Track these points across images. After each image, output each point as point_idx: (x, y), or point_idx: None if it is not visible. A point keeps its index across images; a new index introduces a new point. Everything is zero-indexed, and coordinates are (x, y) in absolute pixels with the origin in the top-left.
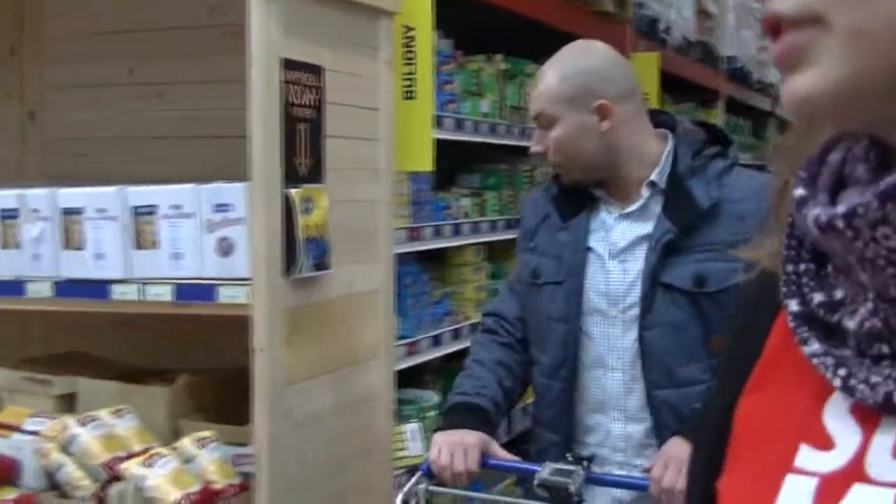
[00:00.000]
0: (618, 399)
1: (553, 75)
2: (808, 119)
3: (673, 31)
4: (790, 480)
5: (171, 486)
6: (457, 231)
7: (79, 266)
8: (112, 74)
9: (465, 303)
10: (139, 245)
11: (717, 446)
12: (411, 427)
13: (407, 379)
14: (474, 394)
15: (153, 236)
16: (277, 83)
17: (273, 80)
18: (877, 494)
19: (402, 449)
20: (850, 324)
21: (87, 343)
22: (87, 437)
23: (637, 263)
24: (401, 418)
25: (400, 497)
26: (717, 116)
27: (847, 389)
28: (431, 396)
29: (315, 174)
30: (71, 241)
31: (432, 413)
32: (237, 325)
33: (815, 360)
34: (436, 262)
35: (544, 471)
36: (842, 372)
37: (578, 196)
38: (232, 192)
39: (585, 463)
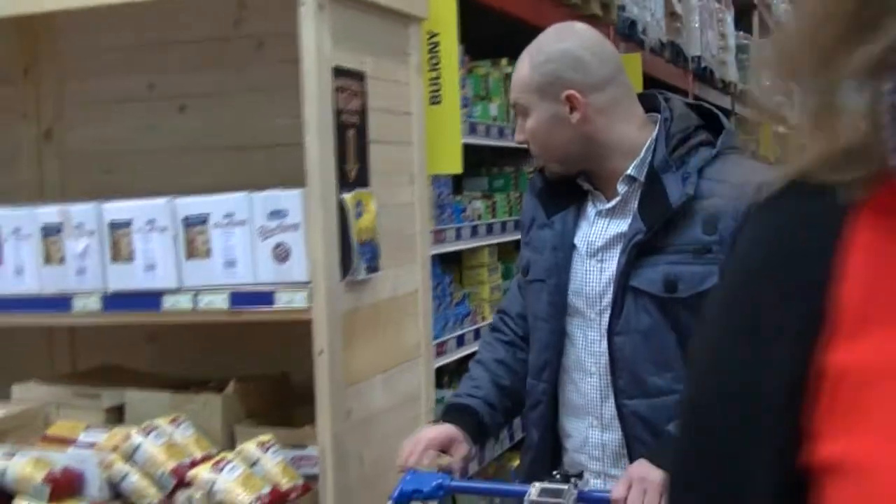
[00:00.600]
0: (594, 406)
1: (525, 63)
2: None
3: (649, 32)
4: None
5: (242, 490)
6: (474, 233)
7: (127, 278)
8: (131, 89)
9: (482, 303)
10: (190, 255)
11: (787, 418)
12: None
13: None
14: (465, 395)
15: (205, 245)
16: (330, 91)
17: (326, 87)
18: None
19: None
20: None
21: (114, 357)
22: (150, 446)
23: (613, 264)
24: None
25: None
26: None
27: None
28: None
29: (362, 179)
30: (118, 254)
31: None
32: (268, 334)
33: None
34: (454, 264)
35: (533, 492)
36: None
37: (565, 190)
38: (287, 198)
39: (574, 481)
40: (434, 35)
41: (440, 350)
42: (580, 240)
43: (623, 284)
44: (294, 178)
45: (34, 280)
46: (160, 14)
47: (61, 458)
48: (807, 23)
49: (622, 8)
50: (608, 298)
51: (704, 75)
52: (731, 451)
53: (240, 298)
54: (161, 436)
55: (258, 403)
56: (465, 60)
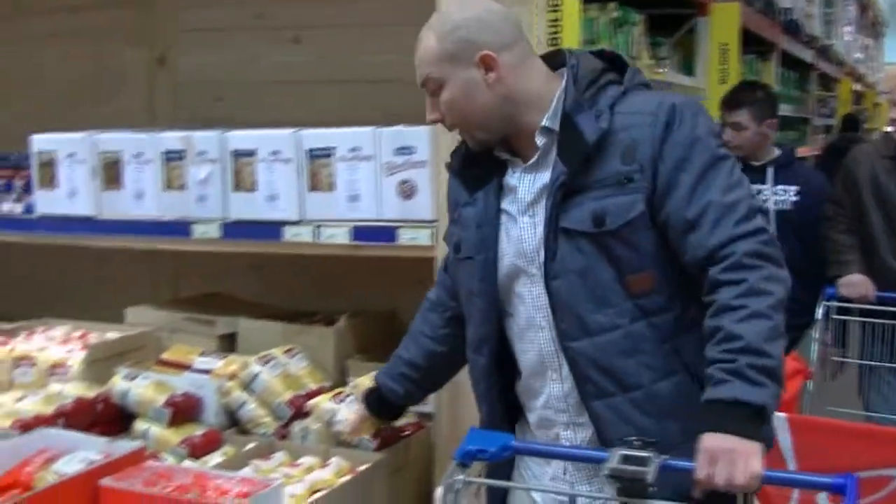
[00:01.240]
0: (551, 358)
1: (430, 36)
2: None
3: None
4: None
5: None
6: None
7: (248, 208)
8: (244, 18)
9: None
10: (313, 187)
11: None
12: None
13: None
14: (382, 373)
15: (329, 179)
16: None
17: None
18: None
19: None
20: None
21: (217, 285)
22: (267, 375)
23: (544, 215)
24: None
25: (440, 489)
26: (772, 70)
27: None
28: None
29: None
30: (241, 183)
31: None
32: (378, 269)
33: None
34: None
35: (613, 459)
36: None
37: (484, 164)
38: (415, 135)
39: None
40: None
41: None
42: (509, 204)
43: (553, 228)
44: (404, 114)
45: (154, 205)
46: None
47: (180, 383)
48: None
49: None
50: (543, 250)
51: (792, 28)
52: None
53: (362, 233)
54: (277, 366)
55: (368, 338)
56: None
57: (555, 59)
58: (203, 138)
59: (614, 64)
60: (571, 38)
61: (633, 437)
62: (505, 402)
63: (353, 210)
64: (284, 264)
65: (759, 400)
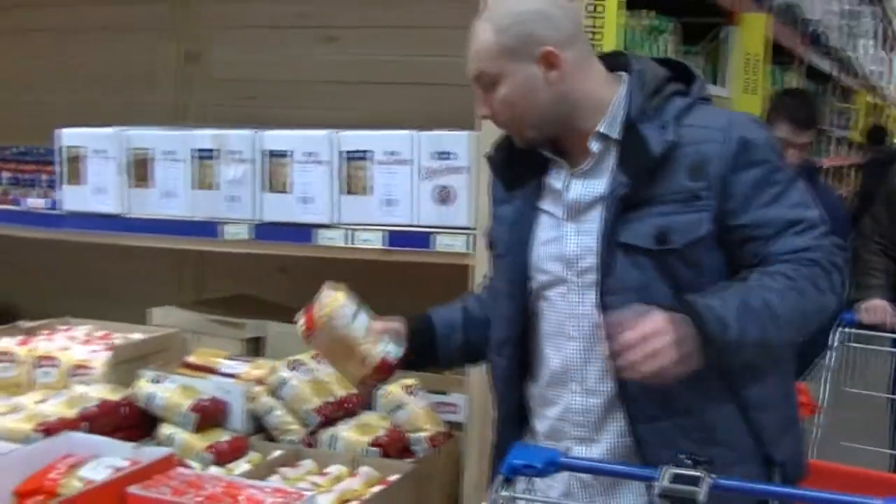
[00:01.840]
0: (577, 370)
1: (488, 29)
2: None
3: None
4: None
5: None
6: None
7: (281, 209)
8: (279, 16)
9: None
10: (348, 190)
11: None
12: None
13: None
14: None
15: (364, 182)
16: None
17: None
18: None
19: None
20: None
21: (242, 286)
22: (297, 381)
23: (594, 225)
24: None
25: None
26: (795, 81)
27: None
28: None
29: None
30: (274, 184)
31: None
32: (410, 276)
33: None
34: None
35: (664, 478)
36: None
37: (526, 162)
38: (454, 140)
39: (706, 467)
40: None
41: None
42: (551, 205)
43: (610, 242)
44: (445, 118)
45: (184, 204)
46: None
47: (207, 387)
48: None
49: None
50: (591, 259)
51: (815, 39)
52: None
53: (397, 238)
54: (307, 372)
55: None
56: None
57: (614, 62)
58: (236, 137)
59: (678, 73)
60: (610, 45)
61: (684, 455)
62: (522, 407)
63: (388, 214)
64: (312, 267)
65: (735, 341)
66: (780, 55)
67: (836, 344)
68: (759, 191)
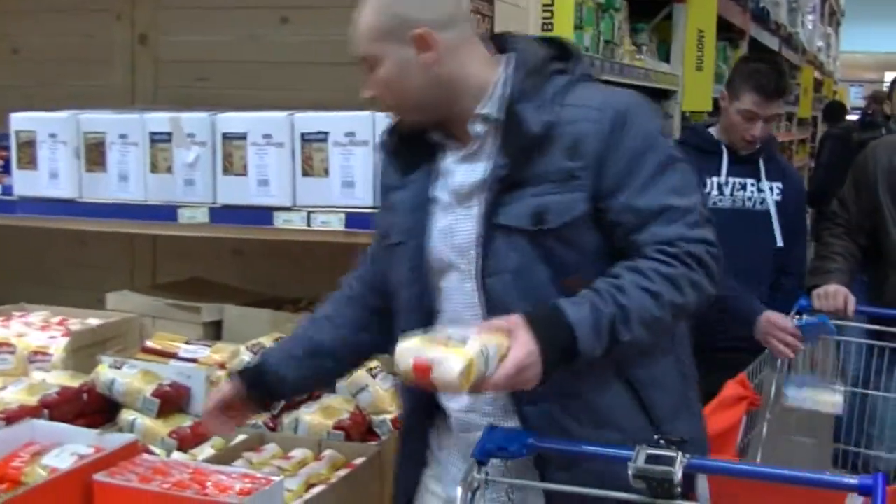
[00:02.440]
0: None
1: (368, 10)
2: None
3: None
4: None
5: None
6: None
7: (238, 192)
8: None
9: None
10: (306, 173)
11: None
12: None
13: None
14: (270, 350)
15: (323, 164)
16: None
17: None
18: None
19: None
20: None
21: (195, 269)
22: None
23: (479, 209)
24: None
25: (458, 488)
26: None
27: None
28: None
29: None
30: (230, 166)
31: None
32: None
33: None
34: None
35: (638, 458)
36: None
37: (419, 146)
38: None
39: (679, 448)
40: None
41: None
42: (441, 190)
43: (490, 223)
44: None
45: (139, 188)
46: None
47: (167, 372)
48: None
49: None
50: (478, 247)
51: (762, 15)
52: None
53: (356, 220)
54: None
55: None
56: None
57: (497, 44)
58: (192, 120)
59: (561, 52)
60: (565, 23)
61: (658, 436)
62: (427, 404)
63: (347, 196)
64: (264, 249)
65: (586, 349)
66: (726, 31)
67: None
68: (632, 173)
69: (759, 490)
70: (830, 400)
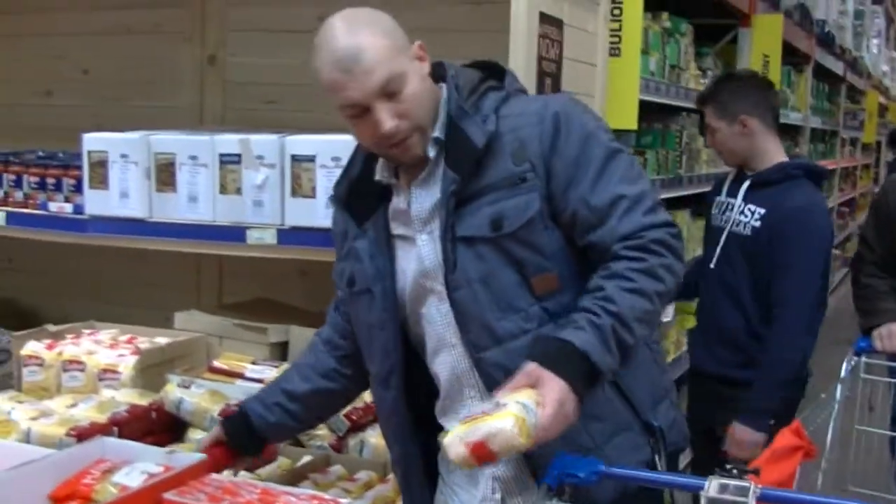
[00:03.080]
0: (466, 375)
1: (375, 34)
2: None
3: None
4: None
5: None
6: None
7: (306, 214)
8: (301, 20)
9: None
10: None
11: None
12: None
13: None
14: (253, 398)
15: None
16: (536, 36)
17: (533, 32)
18: None
19: None
20: None
21: (261, 289)
22: None
23: (441, 226)
24: None
25: None
26: (806, 81)
27: None
28: None
29: None
30: (298, 188)
31: None
32: None
33: None
34: None
35: (711, 488)
36: None
37: (367, 194)
38: None
39: (751, 477)
40: None
41: None
42: (401, 227)
43: (451, 238)
44: None
45: (208, 209)
46: None
47: (234, 392)
48: None
49: None
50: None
51: (826, 40)
52: None
53: None
54: None
55: None
56: None
57: (435, 74)
58: (261, 142)
59: (492, 72)
60: (632, 47)
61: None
62: (419, 440)
63: None
64: (329, 270)
65: (605, 367)
66: (790, 55)
67: (844, 374)
68: (580, 167)
69: None
70: None
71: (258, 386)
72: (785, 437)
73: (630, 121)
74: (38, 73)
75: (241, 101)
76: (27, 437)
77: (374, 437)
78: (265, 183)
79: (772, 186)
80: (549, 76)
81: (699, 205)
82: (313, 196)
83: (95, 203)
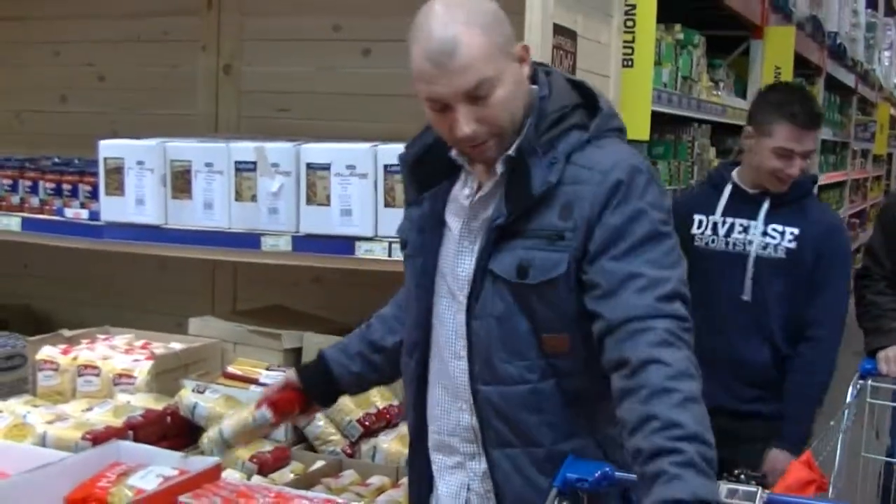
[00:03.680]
0: (464, 389)
1: (473, 32)
2: None
3: (798, 3)
4: None
5: None
6: None
7: (321, 222)
8: (315, 29)
9: None
10: (389, 203)
11: None
12: None
13: None
14: (334, 345)
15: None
16: (550, 47)
17: (546, 43)
18: None
19: None
20: None
21: (274, 297)
22: None
23: (479, 249)
24: None
25: None
26: (818, 93)
27: None
28: None
29: None
30: (313, 196)
31: None
32: None
33: None
34: None
35: (720, 492)
36: None
37: (436, 166)
38: None
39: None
40: None
41: None
42: (454, 221)
43: (483, 267)
44: None
45: (224, 216)
46: None
47: (248, 397)
48: None
49: None
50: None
51: (839, 52)
52: None
53: None
54: None
55: None
56: None
57: (535, 76)
58: (276, 150)
59: (587, 100)
60: (645, 59)
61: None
62: (424, 414)
63: None
64: (343, 277)
65: (713, 497)
66: (802, 67)
67: (850, 399)
68: (616, 240)
69: None
70: None
71: None
72: (797, 470)
73: (642, 131)
74: (55, 80)
75: (255, 109)
76: (43, 441)
77: (386, 443)
78: (280, 190)
79: (791, 204)
80: None
81: None
82: (328, 204)
83: (111, 209)
